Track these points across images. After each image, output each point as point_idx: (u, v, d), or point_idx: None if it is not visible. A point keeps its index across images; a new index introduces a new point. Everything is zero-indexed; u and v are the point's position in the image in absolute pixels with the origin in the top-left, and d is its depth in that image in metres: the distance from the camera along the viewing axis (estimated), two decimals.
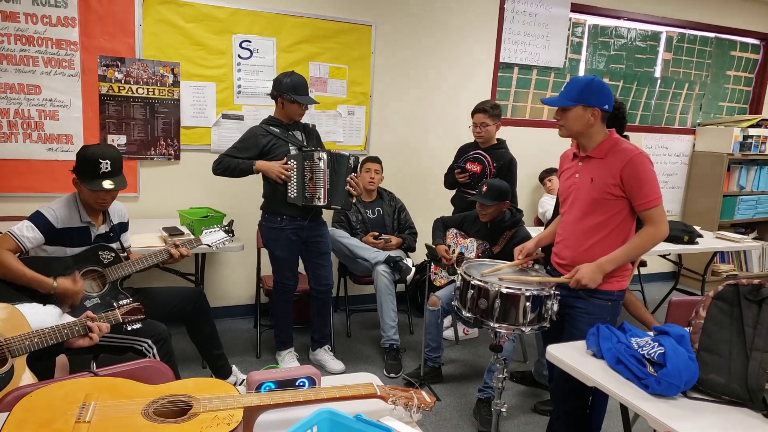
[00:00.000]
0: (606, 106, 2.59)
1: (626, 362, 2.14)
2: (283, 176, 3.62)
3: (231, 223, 3.62)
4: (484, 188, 3.73)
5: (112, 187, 2.89)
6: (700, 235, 4.98)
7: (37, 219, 2.83)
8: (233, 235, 3.62)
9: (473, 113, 4.28)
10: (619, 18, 5.96)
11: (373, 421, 1.46)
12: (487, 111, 4.20)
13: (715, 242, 5.04)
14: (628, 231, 2.65)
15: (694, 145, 6.73)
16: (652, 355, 2.07)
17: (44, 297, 2.74)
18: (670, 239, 4.57)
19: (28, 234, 2.79)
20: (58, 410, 1.49)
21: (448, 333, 4.68)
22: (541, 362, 3.87)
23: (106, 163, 2.87)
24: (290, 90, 3.65)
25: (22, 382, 1.99)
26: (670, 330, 2.17)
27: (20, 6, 3.91)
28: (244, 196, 4.59)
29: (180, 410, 1.56)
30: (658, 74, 6.33)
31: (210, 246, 3.44)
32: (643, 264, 5.47)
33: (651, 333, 2.29)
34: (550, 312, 2.58)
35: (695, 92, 6.60)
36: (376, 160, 4.69)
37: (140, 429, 1.46)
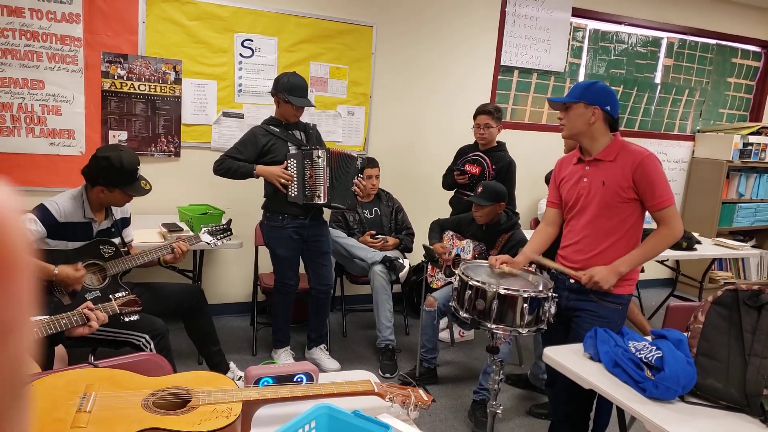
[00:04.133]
0: (608, 107, 2.62)
1: (624, 365, 2.14)
2: (282, 180, 3.63)
3: (229, 222, 3.63)
4: (480, 189, 3.75)
5: (149, 187, 3.06)
6: (699, 242, 4.98)
7: (40, 212, 2.84)
8: (231, 233, 3.62)
9: (476, 114, 4.29)
10: (620, 23, 5.97)
11: (372, 417, 1.47)
12: (491, 113, 4.21)
13: (714, 249, 5.03)
14: (638, 234, 2.67)
15: (693, 152, 6.74)
16: (650, 358, 2.07)
17: (45, 288, 2.75)
18: None
19: (31, 227, 2.79)
20: (59, 399, 1.50)
21: (444, 335, 4.68)
22: (538, 365, 3.87)
23: (139, 168, 3.02)
24: (286, 90, 3.65)
25: None
26: (668, 334, 2.18)
27: (26, 1, 3.91)
28: (243, 194, 4.59)
29: (179, 402, 1.57)
30: (658, 80, 6.34)
31: (208, 243, 3.45)
32: (641, 269, 5.46)
33: (649, 337, 2.30)
34: (547, 314, 2.59)
35: (695, 99, 6.61)
36: (376, 164, 4.67)
37: (140, 420, 1.47)
